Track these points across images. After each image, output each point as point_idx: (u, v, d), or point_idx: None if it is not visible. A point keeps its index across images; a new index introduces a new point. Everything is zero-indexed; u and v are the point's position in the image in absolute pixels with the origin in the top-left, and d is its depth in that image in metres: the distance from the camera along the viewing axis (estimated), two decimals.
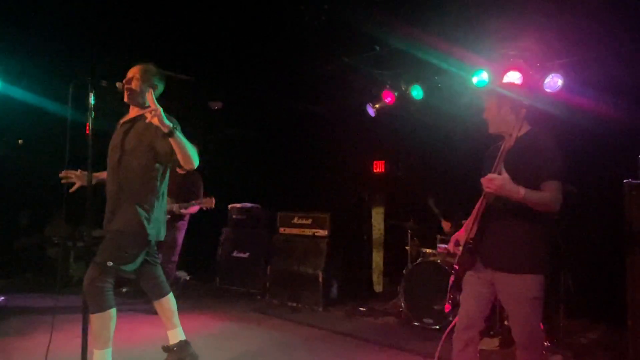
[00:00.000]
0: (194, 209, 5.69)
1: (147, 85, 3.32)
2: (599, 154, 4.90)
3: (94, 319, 3.02)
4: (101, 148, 3.26)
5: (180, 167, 3.16)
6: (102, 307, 3.03)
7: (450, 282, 2.75)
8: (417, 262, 5.22)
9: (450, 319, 2.82)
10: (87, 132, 2.97)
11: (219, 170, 6.27)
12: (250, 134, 8.18)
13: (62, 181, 3.35)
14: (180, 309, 3.60)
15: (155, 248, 3.51)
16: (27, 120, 6.90)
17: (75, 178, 3.36)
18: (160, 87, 3.44)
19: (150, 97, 2.91)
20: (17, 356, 3.82)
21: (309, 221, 6.23)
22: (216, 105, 7.68)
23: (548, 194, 2.44)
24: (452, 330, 2.76)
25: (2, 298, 5.65)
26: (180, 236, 5.76)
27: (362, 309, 5.80)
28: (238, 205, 7.08)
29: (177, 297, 3.58)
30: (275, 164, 7.90)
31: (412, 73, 5.92)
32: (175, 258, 5.75)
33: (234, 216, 7.05)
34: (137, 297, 5.44)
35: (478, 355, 2.70)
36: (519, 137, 2.43)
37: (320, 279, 5.86)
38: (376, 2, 4.89)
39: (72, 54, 5.35)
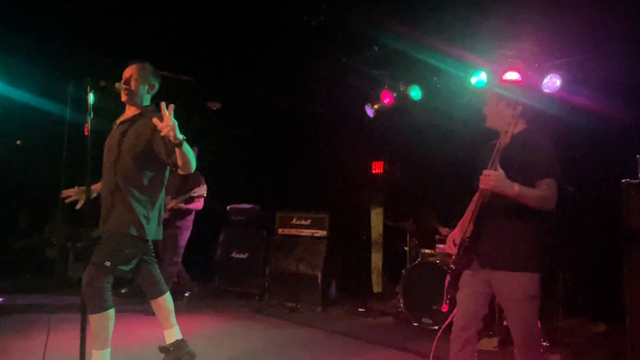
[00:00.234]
0: (196, 205, 5.69)
1: (144, 84, 3.34)
2: (597, 153, 4.91)
3: (93, 319, 3.02)
4: (100, 148, 3.27)
5: (177, 168, 3.16)
6: (100, 308, 3.03)
7: (447, 282, 2.75)
8: (416, 262, 5.22)
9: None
10: (85, 132, 2.97)
11: (218, 171, 6.26)
12: (248, 134, 8.18)
13: (66, 201, 3.35)
14: (178, 310, 3.59)
15: (152, 247, 3.50)
16: (26, 121, 6.90)
17: (76, 195, 3.36)
18: (157, 86, 3.44)
19: (163, 109, 2.88)
20: (16, 356, 3.81)
21: (308, 222, 6.23)
22: (215, 106, 7.69)
23: (543, 191, 2.44)
24: (446, 328, 2.76)
25: (1, 299, 5.65)
26: (183, 237, 5.69)
27: (360, 309, 5.80)
28: (237, 206, 7.08)
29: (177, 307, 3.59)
30: (274, 165, 7.90)
31: (411, 74, 5.93)
32: (178, 259, 5.69)
33: (232, 217, 7.04)
34: (136, 297, 5.43)
35: (476, 355, 2.70)
36: (515, 134, 2.43)
37: (319, 280, 5.86)
38: (375, 2, 4.90)
39: (70, 54, 5.36)
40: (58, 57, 5.49)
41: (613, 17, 4.30)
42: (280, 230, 6.42)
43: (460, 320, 2.66)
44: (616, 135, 4.66)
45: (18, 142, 7.60)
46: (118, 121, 3.42)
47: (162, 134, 2.86)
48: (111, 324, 3.09)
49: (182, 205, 5.54)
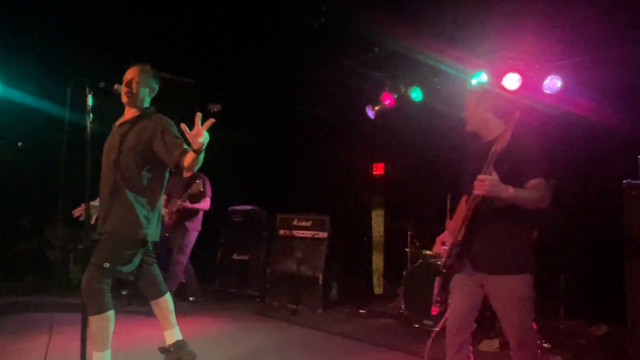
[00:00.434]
0: (202, 204, 5.72)
1: (145, 87, 3.35)
2: (598, 154, 4.90)
3: (93, 320, 3.01)
4: (99, 149, 3.27)
5: (177, 168, 3.17)
6: (100, 309, 3.03)
7: (437, 285, 2.74)
8: (417, 264, 5.21)
9: (431, 322, 2.82)
10: (86, 137, 2.99)
11: (219, 173, 6.27)
12: (249, 135, 8.17)
13: (80, 219, 3.32)
14: (179, 311, 3.59)
15: (152, 248, 3.50)
16: (27, 123, 6.91)
17: (92, 210, 3.34)
18: (156, 89, 3.46)
19: (198, 121, 2.89)
20: (17, 358, 3.81)
21: (309, 223, 6.22)
22: (215, 108, 7.69)
23: (535, 192, 2.44)
24: (440, 332, 2.76)
25: None
26: (190, 237, 5.73)
27: (362, 310, 5.79)
28: (238, 207, 7.08)
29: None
30: (274, 166, 7.90)
31: (412, 75, 5.92)
32: (184, 259, 5.72)
33: (233, 218, 7.04)
34: (137, 299, 5.43)
35: (472, 356, 2.70)
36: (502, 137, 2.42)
37: (320, 281, 5.85)
38: (375, 4, 4.90)
39: (70, 55, 5.36)
40: (57, 58, 5.49)
41: (614, 18, 4.30)
42: (281, 232, 6.41)
43: (454, 324, 2.66)
44: (617, 136, 4.65)
45: (19, 143, 7.60)
46: (118, 123, 3.42)
47: (193, 146, 2.88)
48: (111, 325, 3.08)
49: (187, 205, 5.59)
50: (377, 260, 7.14)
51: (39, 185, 7.39)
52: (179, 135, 3.20)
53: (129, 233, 3.14)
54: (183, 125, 2.89)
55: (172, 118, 3.32)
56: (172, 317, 3.49)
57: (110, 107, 3.38)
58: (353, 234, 7.18)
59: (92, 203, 3.23)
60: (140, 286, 3.50)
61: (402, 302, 5.15)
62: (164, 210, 5.73)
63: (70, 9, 4.80)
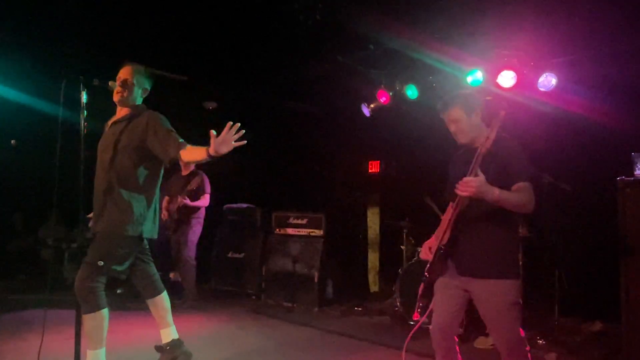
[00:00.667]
0: (202, 201, 5.79)
1: (139, 88, 3.37)
2: (593, 151, 4.92)
3: (87, 319, 3.01)
4: (93, 147, 3.25)
5: (172, 163, 3.17)
6: (94, 307, 3.02)
7: (420, 289, 2.73)
8: (413, 261, 5.21)
9: (426, 320, 2.83)
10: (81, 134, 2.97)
11: (214, 171, 6.25)
12: (244, 134, 8.15)
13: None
14: (175, 310, 3.59)
15: (148, 246, 3.49)
16: (20, 121, 6.86)
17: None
18: (149, 89, 3.46)
19: (227, 128, 2.89)
20: (10, 357, 3.80)
21: (305, 221, 6.22)
22: (210, 105, 7.67)
23: (522, 195, 2.41)
24: (416, 333, 2.80)
25: None
26: (194, 232, 5.83)
27: (357, 308, 5.80)
28: (233, 205, 7.06)
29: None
30: (270, 164, 7.88)
31: (407, 73, 5.91)
32: (191, 253, 5.81)
33: (229, 217, 7.03)
34: (132, 297, 5.42)
35: (460, 357, 2.70)
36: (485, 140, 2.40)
37: (316, 279, 5.85)
38: (370, 1, 4.89)
39: (63, 52, 5.33)
40: (51, 55, 5.46)
41: (609, 15, 4.31)
42: (276, 230, 6.41)
43: (439, 328, 2.64)
44: (612, 133, 4.67)
45: (12, 141, 7.54)
46: (110, 122, 3.42)
47: (212, 151, 2.91)
48: (105, 323, 3.08)
49: (188, 202, 5.65)
50: (373, 258, 7.15)
51: (33, 183, 7.35)
52: (172, 129, 3.19)
53: (123, 231, 3.13)
54: (212, 132, 2.85)
55: (166, 116, 3.31)
56: (169, 316, 3.49)
57: (104, 104, 3.36)
58: (349, 231, 7.18)
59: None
60: (137, 284, 3.49)
61: (397, 300, 5.15)
62: (166, 211, 5.78)
63: (64, 5, 4.76)
